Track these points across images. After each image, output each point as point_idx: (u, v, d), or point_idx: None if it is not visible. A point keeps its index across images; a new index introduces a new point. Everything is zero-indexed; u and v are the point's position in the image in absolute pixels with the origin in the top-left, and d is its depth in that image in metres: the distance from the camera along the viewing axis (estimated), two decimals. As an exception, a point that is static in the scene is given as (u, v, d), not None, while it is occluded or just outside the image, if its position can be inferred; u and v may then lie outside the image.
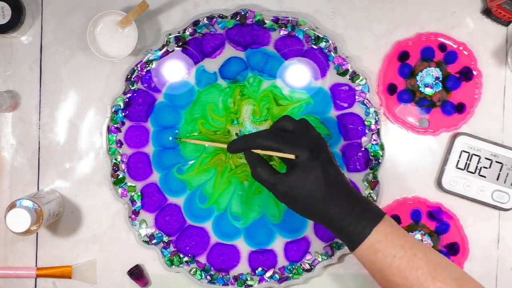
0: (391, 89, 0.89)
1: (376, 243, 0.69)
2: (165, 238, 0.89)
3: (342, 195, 0.71)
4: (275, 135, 0.74)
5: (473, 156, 0.89)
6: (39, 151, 0.90)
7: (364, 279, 0.90)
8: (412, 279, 0.67)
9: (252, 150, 0.74)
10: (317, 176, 0.71)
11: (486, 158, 0.88)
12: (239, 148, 0.76)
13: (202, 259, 0.89)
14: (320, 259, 0.88)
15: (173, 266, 0.89)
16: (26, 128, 0.90)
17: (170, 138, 0.88)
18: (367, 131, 0.89)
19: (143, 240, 0.89)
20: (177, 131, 0.89)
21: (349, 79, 0.89)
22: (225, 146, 0.77)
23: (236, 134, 0.89)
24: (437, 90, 0.89)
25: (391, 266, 0.68)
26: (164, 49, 0.89)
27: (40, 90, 0.90)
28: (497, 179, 0.89)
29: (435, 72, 0.89)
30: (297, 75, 0.89)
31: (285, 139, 0.73)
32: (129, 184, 0.89)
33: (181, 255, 0.89)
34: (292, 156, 0.72)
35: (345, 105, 0.89)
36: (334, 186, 0.71)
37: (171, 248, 0.89)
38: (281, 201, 0.73)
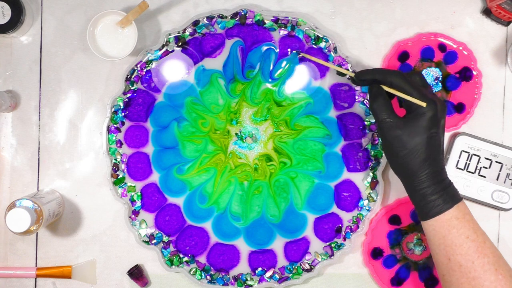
0: (391, 89, 0.89)
1: (454, 219, 0.70)
2: (165, 238, 0.89)
3: (438, 165, 0.72)
4: (410, 80, 0.74)
5: (473, 156, 0.89)
6: (39, 151, 0.90)
7: (364, 279, 0.90)
8: (478, 264, 0.68)
9: (380, 86, 0.74)
10: (432, 135, 0.71)
11: (486, 158, 0.88)
12: (367, 79, 0.75)
13: (202, 259, 0.89)
14: (320, 259, 0.88)
15: (173, 266, 0.89)
16: (26, 128, 0.90)
17: (293, 51, 0.86)
18: (367, 131, 0.89)
19: (143, 240, 0.89)
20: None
21: (349, 79, 0.89)
22: (352, 74, 0.77)
23: (236, 134, 0.89)
24: (437, 90, 0.89)
25: (461, 246, 0.69)
26: (164, 49, 0.89)
27: (40, 90, 0.90)
28: (497, 179, 0.89)
29: (435, 72, 0.89)
30: (297, 75, 0.89)
31: (419, 87, 0.73)
32: (129, 184, 0.89)
33: (181, 255, 0.89)
34: (423, 104, 0.71)
35: (345, 105, 0.89)
36: (438, 154, 0.72)
37: (171, 248, 0.89)
38: (384, 142, 0.72)
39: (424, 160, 0.71)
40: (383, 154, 0.89)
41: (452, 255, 0.69)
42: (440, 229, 0.70)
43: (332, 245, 0.89)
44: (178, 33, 0.88)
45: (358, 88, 0.89)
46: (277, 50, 0.89)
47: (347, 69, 0.88)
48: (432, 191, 0.71)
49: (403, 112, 0.77)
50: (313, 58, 0.85)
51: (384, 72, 0.74)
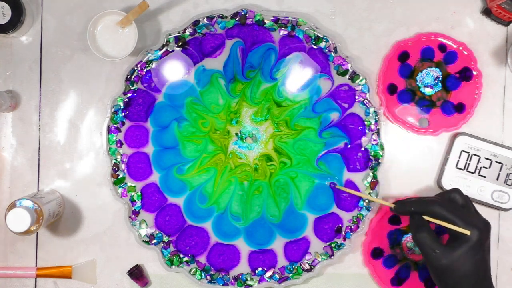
0: (391, 89, 0.89)
1: None
2: (165, 238, 0.89)
3: (489, 284, 0.73)
4: (450, 206, 0.75)
5: (473, 156, 0.89)
6: (39, 151, 0.90)
7: (364, 279, 0.90)
8: None
9: (422, 217, 0.75)
10: (480, 260, 0.72)
11: (486, 158, 0.88)
12: (409, 211, 0.76)
13: (202, 259, 0.89)
14: (320, 259, 0.88)
15: (173, 266, 0.89)
16: (26, 128, 0.90)
17: (328, 184, 0.88)
18: (367, 131, 0.89)
19: (143, 240, 0.89)
20: (336, 178, 0.88)
21: (349, 79, 0.89)
22: (392, 205, 0.79)
23: (236, 134, 0.89)
24: (437, 90, 0.89)
25: None
26: (164, 49, 0.89)
27: (40, 90, 0.90)
28: (497, 179, 0.89)
29: (435, 72, 0.89)
30: (297, 75, 0.89)
31: (459, 212, 0.74)
32: (129, 184, 0.89)
33: (181, 255, 0.89)
34: (467, 232, 0.72)
35: (345, 105, 0.89)
36: (485, 278, 0.73)
37: (171, 248, 0.89)
38: (435, 274, 0.73)
39: (475, 283, 0.72)
40: (383, 155, 0.89)
41: None
42: None
43: (332, 245, 0.89)
44: (178, 33, 0.88)
45: (358, 88, 0.89)
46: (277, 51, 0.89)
47: (347, 69, 0.88)
48: None
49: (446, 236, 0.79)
50: (349, 191, 0.87)
51: (423, 203, 0.75)
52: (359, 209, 0.89)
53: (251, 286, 0.88)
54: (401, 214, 0.79)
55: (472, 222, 0.73)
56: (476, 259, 0.72)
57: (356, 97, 0.89)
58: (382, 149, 0.89)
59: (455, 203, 0.77)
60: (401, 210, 0.78)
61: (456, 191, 0.78)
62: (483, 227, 0.74)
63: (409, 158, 0.90)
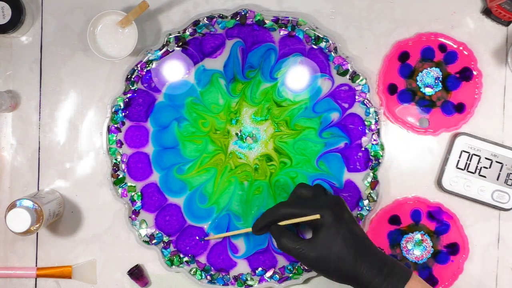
0: (391, 89, 0.89)
1: None
2: (165, 238, 0.89)
3: (370, 254, 0.72)
4: (295, 202, 0.76)
5: (473, 156, 0.89)
6: (39, 151, 0.90)
7: (364, 279, 0.90)
8: None
9: (277, 224, 0.76)
10: (345, 235, 0.72)
11: (486, 158, 0.88)
12: (263, 225, 0.77)
13: (202, 259, 0.89)
14: (320, 259, 0.88)
15: (173, 266, 0.89)
16: (26, 128, 0.90)
17: (197, 238, 0.89)
18: (367, 131, 0.89)
19: (143, 240, 0.89)
20: (197, 237, 0.89)
21: (349, 79, 0.89)
22: (250, 229, 0.80)
23: (236, 134, 0.89)
24: (437, 90, 0.89)
25: None
26: (164, 49, 0.89)
27: (40, 90, 0.90)
28: (497, 179, 0.89)
29: (435, 72, 0.89)
30: (297, 75, 0.89)
31: (306, 203, 0.75)
32: (129, 184, 0.89)
33: (181, 255, 0.89)
34: (317, 216, 0.72)
35: (346, 105, 0.89)
36: (362, 245, 0.72)
37: (171, 248, 0.89)
38: (313, 268, 0.73)
39: (354, 261, 0.71)
40: (383, 155, 0.89)
41: None
42: None
43: (332, 245, 0.89)
44: (178, 33, 0.88)
45: (358, 88, 0.89)
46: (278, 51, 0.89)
47: (347, 69, 0.88)
48: (379, 282, 0.71)
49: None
50: (217, 236, 0.88)
51: (273, 210, 0.76)
52: (359, 209, 0.89)
53: (251, 286, 0.88)
54: (260, 232, 0.79)
55: (321, 205, 0.73)
56: (342, 234, 0.72)
57: (356, 97, 0.89)
58: (382, 149, 0.89)
59: (303, 198, 0.77)
60: (257, 228, 0.78)
61: (301, 186, 0.78)
62: (334, 204, 0.74)
63: (409, 158, 0.90)
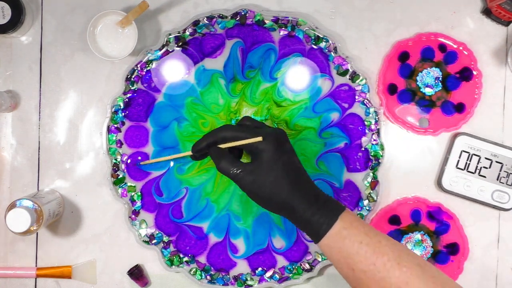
0: (391, 89, 0.89)
1: (343, 229, 0.68)
2: (165, 238, 0.89)
3: (306, 186, 0.71)
4: (238, 126, 0.74)
5: (473, 156, 0.89)
6: (39, 151, 0.90)
7: (364, 279, 0.90)
8: (379, 265, 0.67)
9: (218, 146, 0.73)
10: (284, 163, 0.70)
11: (486, 158, 0.88)
12: (203, 146, 0.74)
13: (202, 259, 0.89)
14: (320, 259, 0.88)
15: (173, 266, 0.89)
16: (26, 128, 0.90)
17: (136, 164, 0.88)
18: (367, 131, 0.89)
19: (143, 240, 0.89)
20: (139, 157, 0.89)
21: (349, 79, 0.89)
22: (189, 152, 0.76)
23: (236, 134, 0.89)
24: (437, 90, 0.89)
25: (358, 253, 0.68)
26: (164, 49, 0.89)
27: (40, 90, 0.90)
28: (497, 179, 0.89)
29: (435, 72, 0.89)
30: (297, 75, 0.89)
31: (249, 129, 0.73)
32: (129, 184, 0.89)
33: (181, 255, 0.89)
34: (259, 138, 0.70)
35: (345, 105, 0.89)
36: (300, 176, 0.71)
37: (171, 248, 0.89)
38: (247, 192, 0.72)
39: (290, 189, 0.70)
40: (383, 155, 0.89)
41: (354, 264, 0.68)
42: (334, 244, 0.69)
43: (332, 245, 0.88)
44: (178, 33, 0.88)
45: (358, 88, 0.89)
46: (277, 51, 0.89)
47: (347, 69, 0.88)
48: (312, 213, 0.70)
49: None
50: (151, 161, 0.88)
51: (213, 132, 0.74)
52: (359, 209, 0.89)
53: (251, 286, 0.88)
54: (199, 153, 0.75)
55: (264, 132, 0.72)
56: (282, 162, 0.70)
57: (356, 97, 0.89)
58: (382, 149, 0.89)
59: (246, 125, 0.75)
60: (197, 148, 0.75)
61: (246, 118, 0.76)
62: (277, 133, 0.72)
63: (409, 158, 0.90)
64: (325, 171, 0.89)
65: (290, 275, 0.88)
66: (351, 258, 0.68)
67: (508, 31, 0.91)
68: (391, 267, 0.66)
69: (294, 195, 0.70)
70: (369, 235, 0.69)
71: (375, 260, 0.67)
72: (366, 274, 0.67)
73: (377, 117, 0.89)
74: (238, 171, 0.71)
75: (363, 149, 0.89)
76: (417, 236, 0.88)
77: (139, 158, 0.88)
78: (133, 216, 0.89)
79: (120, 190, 0.89)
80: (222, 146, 0.73)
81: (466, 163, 0.89)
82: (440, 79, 0.89)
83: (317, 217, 0.69)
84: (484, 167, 0.89)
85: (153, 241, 0.89)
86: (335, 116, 0.89)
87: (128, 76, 0.89)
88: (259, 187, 0.70)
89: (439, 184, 0.89)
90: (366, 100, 0.89)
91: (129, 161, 0.88)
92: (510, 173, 0.88)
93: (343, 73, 0.89)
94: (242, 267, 0.89)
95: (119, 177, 0.89)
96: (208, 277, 0.88)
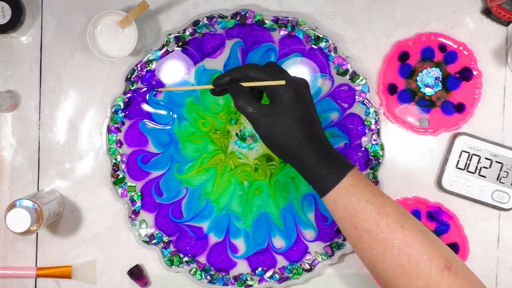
0: (391, 89, 0.89)
1: (351, 186, 0.69)
2: (165, 238, 0.89)
3: (318, 139, 0.71)
4: (266, 68, 0.73)
5: (473, 156, 0.89)
6: (39, 151, 0.90)
7: (364, 279, 0.90)
8: (383, 225, 0.67)
9: (239, 84, 0.73)
10: (301, 111, 0.70)
11: (486, 158, 0.88)
12: (225, 81, 0.73)
13: (202, 259, 0.89)
14: (320, 259, 0.88)
15: (173, 266, 0.89)
16: (26, 128, 0.90)
17: (154, 90, 0.87)
18: (367, 131, 0.89)
19: (143, 240, 0.89)
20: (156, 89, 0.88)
21: (349, 79, 0.89)
22: (210, 86, 0.75)
23: (236, 134, 0.89)
24: (437, 90, 0.89)
25: (363, 211, 0.68)
26: (164, 49, 0.89)
27: (40, 90, 0.90)
28: (497, 179, 0.89)
29: (435, 72, 0.89)
30: (297, 75, 0.89)
31: (273, 71, 0.72)
32: (129, 184, 0.89)
33: (181, 255, 0.89)
34: (282, 82, 0.70)
35: (345, 105, 0.89)
36: (314, 128, 0.71)
37: (171, 248, 0.89)
38: (261, 134, 0.71)
39: (303, 138, 0.70)
40: (383, 155, 0.89)
41: (357, 222, 0.68)
42: (340, 200, 0.69)
43: (332, 245, 0.89)
44: (178, 33, 0.88)
45: (358, 88, 0.89)
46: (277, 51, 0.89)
47: (347, 69, 0.88)
48: (321, 166, 0.69)
49: None
50: (169, 89, 0.87)
51: (238, 68, 0.73)
52: (359, 209, 0.89)
53: (251, 286, 0.88)
54: (220, 87, 0.74)
55: (288, 77, 0.72)
56: (299, 109, 0.70)
57: (356, 97, 0.89)
58: (382, 149, 0.89)
59: (271, 69, 0.74)
60: (219, 82, 0.74)
61: (271, 62, 0.76)
62: (300, 81, 0.72)
63: (409, 158, 0.90)
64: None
65: (290, 275, 0.88)
66: (355, 216, 0.68)
67: (508, 31, 0.91)
68: (394, 228, 0.67)
69: (305, 145, 0.70)
70: (375, 195, 0.69)
71: (379, 220, 0.67)
72: (369, 233, 0.68)
73: (377, 117, 0.89)
74: (254, 111, 0.70)
75: (363, 149, 0.89)
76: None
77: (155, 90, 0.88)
78: (133, 216, 0.89)
79: (120, 190, 0.89)
80: (244, 84, 0.73)
81: (466, 163, 0.89)
82: (440, 79, 0.89)
83: (325, 171, 0.69)
84: (484, 167, 0.89)
85: (153, 241, 0.89)
86: (335, 116, 0.89)
87: (128, 76, 0.89)
88: (273, 130, 0.70)
89: (439, 184, 0.89)
90: (366, 100, 0.89)
91: (144, 90, 0.87)
92: (510, 173, 0.88)
93: (343, 73, 0.89)
94: (242, 267, 0.89)
95: (119, 177, 0.89)
96: (208, 277, 0.88)
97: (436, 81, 0.89)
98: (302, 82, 0.73)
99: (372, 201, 0.68)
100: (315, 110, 0.73)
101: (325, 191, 0.70)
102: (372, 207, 0.68)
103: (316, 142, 0.70)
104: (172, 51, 0.89)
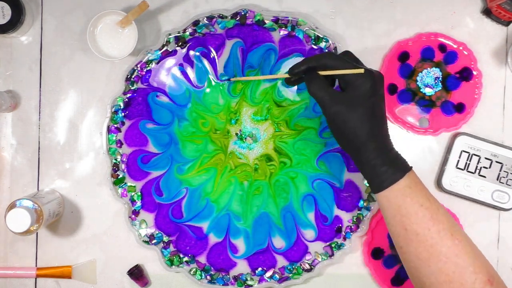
0: (391, 89, 0.89)
1: (407, 188, 0.69)
2: (165, 238, 0.89)
3: (385, 134, 0.72)
4: (343, 58, 0.73)
5: (473, 156, 0.89)
6: (39, 151, 0.90)
7: (364, 279, 0.90)
8: (434, 231, 0.67)
9: (316, 72, 0.73)
10: (373, 104, 0.70)
11: (486, 158, 0.88)
12: (302, 69, 0.74)
13: (202, 259, 0.89)
14: (320, 259, 0.88)
15: (173, 266, 0.89)
16: (26, 128, 0.90)
17: (227, 79, 0.87)
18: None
19: (143, 240, 0.89)
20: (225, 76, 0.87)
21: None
22: (286, 75, 0.76)
23: (236, 134, 0.89)
24: (437, 90, 0.89)
25: (416, 214, 0.68)
26: (164, 49, 0.89)
27: (40, 90, 0.90)
28: (497, 179, 0.89)
29: (435, 72, 0.89)
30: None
31: (351, 61, 0.73)
32: (129, 184, 0.89)
33: (181, 255, 0.89)
34: (361, 70, 0.70)
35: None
36: (382, 123, 0.71)
37: (171, 248, 0.89)
38: (329, 120, 0.71)
39: (369, 131, 0.70)
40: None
41: (408, 224, 0.68)
42: (394, 200, 0.69)
43: (332, 245, 0.89)
44: (178, 33, 0.88)
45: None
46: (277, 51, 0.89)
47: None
48: (381, 162, 0.70)
49: None
50: (243, 78, 0.86)
51: (315, 57, 0.73)
52: (359, 209, 0.89)
53: (251, 286, 0.88)
54: (296, 76, 0.75)
55: (366, 68, 0.72)
56: (371, 103, 0.70)
57: (356, 97, 0.89)
58: (382, 149, 0.89)
59: (347, 58, 0.75)
60: (296, 70, 0.74)
61: (347, 51, 0.76)
62: (378, 75, 0.72)
63: (409, 158, 0.90)
64: (326, 171, 0.89)
65: (290, 275, 0.88)
66: (407, 218, 0.69)
67: (508, 31, 0.91)
68: (444, 236, 0.67)
69: (371, 137, 0.70)
70: (430, 200, 0.69)
71: (431, 226, 0.68)
72: (419, 236, 0.68)
73: (377, 117, 0.89)
74: (327, 97, 0.71)
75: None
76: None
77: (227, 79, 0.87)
78: (133, 216, 0.89)
79: (120, 190, 0.89)
80: (321, 72, 0.73)
81: (466, 163, 0.89)
82: (440, 79, 0.89)
83: (385, 168, 0.70)
84: (484, 167, 0.89)
85: (153, 241, 0.89)
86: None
87: (128, 76, 0.89)
88: (342, 119, 0.70)
89: (439, 184, 0.89)
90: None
91: (228, 79, 0.87)
92: (510, 173, 0.88)
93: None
94: (242, 267, 0.89)
95: (119, 177, 0.89)
96: (208, 277, 0.88)
97: (436, 81, 0.89)
98: (379, 75, 0.73)
99: (426, 206, 0.68)
100: (385, 105, 0.73)
101: (381, 188, 0.70)
102: (426, 212, 0.68)
103: (381, 137, 0.71)
104: (172, 51, 0.89)
